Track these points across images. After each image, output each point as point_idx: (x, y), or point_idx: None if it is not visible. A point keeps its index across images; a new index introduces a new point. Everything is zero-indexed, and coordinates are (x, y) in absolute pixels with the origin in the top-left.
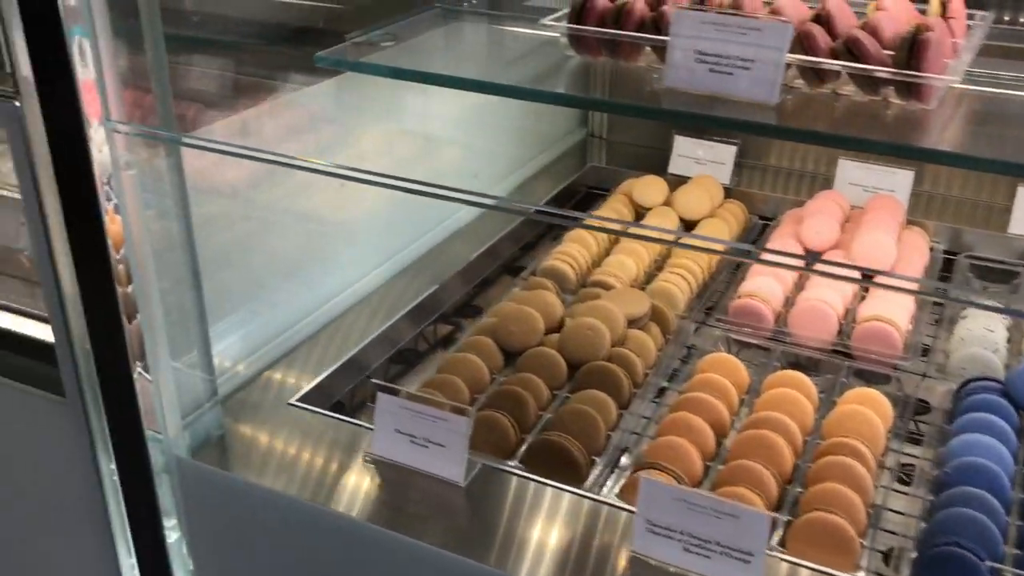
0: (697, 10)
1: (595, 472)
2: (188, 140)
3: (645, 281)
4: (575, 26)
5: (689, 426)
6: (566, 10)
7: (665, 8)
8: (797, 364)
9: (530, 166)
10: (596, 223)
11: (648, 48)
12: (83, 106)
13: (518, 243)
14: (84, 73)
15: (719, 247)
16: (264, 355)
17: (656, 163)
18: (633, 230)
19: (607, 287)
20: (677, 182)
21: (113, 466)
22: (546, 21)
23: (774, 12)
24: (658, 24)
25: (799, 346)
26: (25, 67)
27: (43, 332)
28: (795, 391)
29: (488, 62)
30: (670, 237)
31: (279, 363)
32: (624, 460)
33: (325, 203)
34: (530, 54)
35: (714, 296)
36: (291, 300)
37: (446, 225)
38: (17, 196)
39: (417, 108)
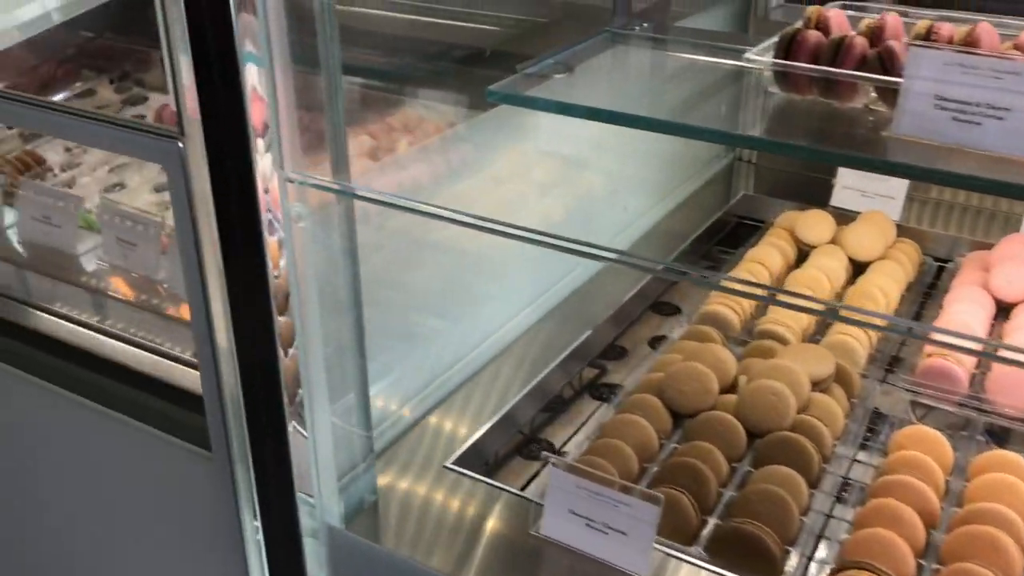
0: (934, 47)
1: (790, 564)
2: (363, 193)
3: (816, 331)
4: (785, 61)
5: (896, 516)
6: (770, 41)
7: (892, 44)
8: (999, 436)
9: (677, 193)
10: (740, 287)
11: (869, 88)
12: (255, 152)
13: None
14: (256, 115)
15: (881, 322)
16: (416, 405)
17: (812, 193)
18: (783, 298)
19: (780, 339)
20: (840, 216)
21: (258, 524)
22: (752, 55)
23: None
24: (884, 62)
25: (1007, 417)
26: (192, 103)
27: (185, 377)
28: (1013, 476)
29: (673, 98)
30: (830, 296)
31: (430, 415)
32: (821, 550)
33: (471, 238)
34: (719, 88)
35: (893, 345)
36: (440, 343)
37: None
38: (157, 219)
39: (556, 128)
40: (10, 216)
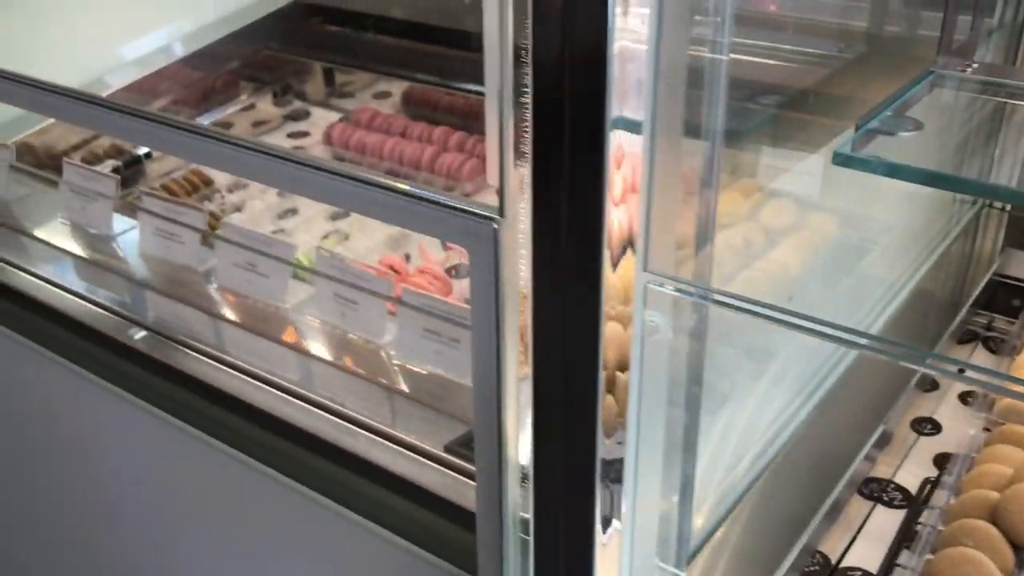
0: None
1: None
2: (726, 300)
3: None
4: None
5: None
6: None
7: None
8: None
9: (932, 246)
10: None
11: None
12: (608, 244)
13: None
14: (619, 196)
15: None
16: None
17: None
18: None
19: None
20: None
21: None
22: None
23: None
24: None
25: None
26: (522, 175)
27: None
28: None
29: None
30: None
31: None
32: None
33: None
34: None
35: None
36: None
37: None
38: (388, 281)
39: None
40: (208, 258)
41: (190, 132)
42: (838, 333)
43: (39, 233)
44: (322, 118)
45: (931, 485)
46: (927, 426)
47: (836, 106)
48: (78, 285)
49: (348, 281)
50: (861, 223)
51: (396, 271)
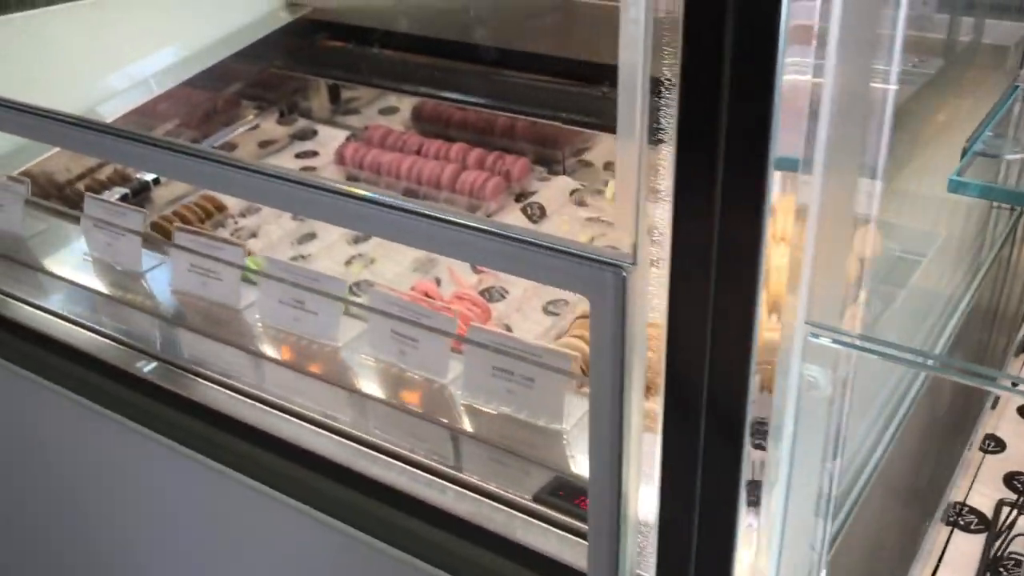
0: None
1: None
2: (891, 352)
3: None
4: None
5: None
6: None
7: None
8: None
9: (982, 256)
10: None
11: None
12: (761, 294)
13: None
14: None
15: None
16: None
17: None
18: None
19: None
20: None
21: None
22: None
23: None
24: None
25: None
26: (661, 222)
27: (539, 537)
28: None
29: None
30: None
31: None
32: None
33: None
34: None
35: None
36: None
37: None
38: (452, 318)
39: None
40: (250, 293)
41: (240, 168)
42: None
43: (64, 271)
44: (330, 136)
45: (1010, 508)
46: (991, 443)
47: (921, 125)
48: (113, 327)
49: (407, 318)
50: (906, 235)
51: (431, 297)
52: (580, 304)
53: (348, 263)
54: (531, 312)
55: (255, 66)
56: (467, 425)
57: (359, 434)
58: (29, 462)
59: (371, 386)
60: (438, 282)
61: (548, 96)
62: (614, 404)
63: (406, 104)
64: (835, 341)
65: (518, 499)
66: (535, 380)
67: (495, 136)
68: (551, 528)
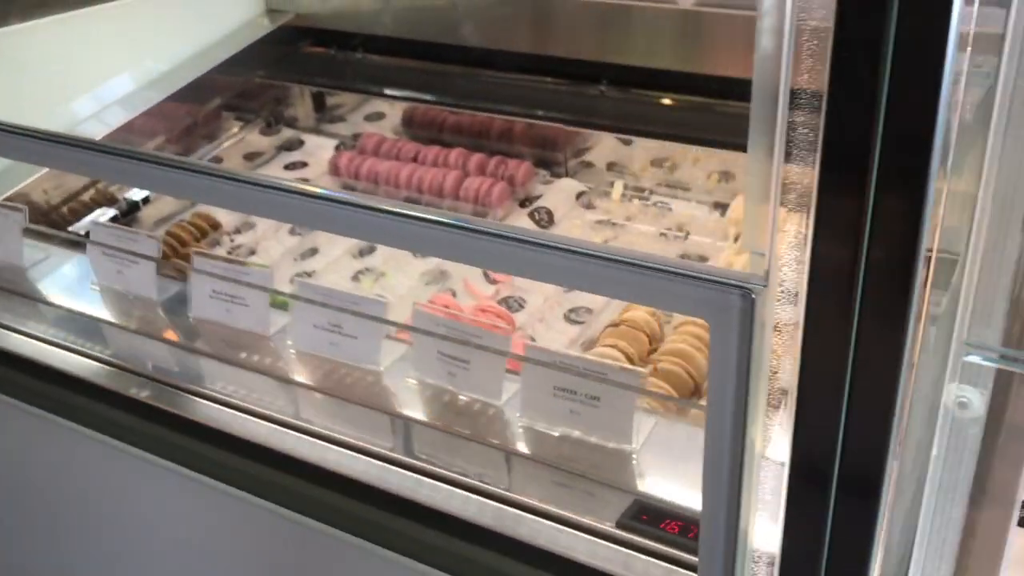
0: None
1: None
2: None
3: None
4: None
5: None
6: None
7: None
8: None
9: None
10: None
11: None
12: (919, 312)
13: None
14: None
15: None
16: None
17: None
18: None
19: None
20: None
21: None
22: None
23: None
24: None
25: None
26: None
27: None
28: None
29: None
30: None
31: None
32: None
33: None
34: None
35: None
36: None
37: None
38: (506, 336)
39: None
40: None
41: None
42: None
43: (72, 303)
44: (317, 146)
45: None
46: None
47: None
48: (136, 363)
49: (456, 338)
50: None
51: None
52: (605, 311)
53: (355, 278)
54: (554, 322)
55: (239, 77)
56: (527, 448)
57: (412, 461)
58: (81, 515)
59: (420, 411)
60: (453, 294)
61: (543, 96)
62: (736, 432)
63: (392, 109)
64: (995, 359)
65: (597, 526)
66: (601, 399)
67: (492, 140)
68: (635, 554)
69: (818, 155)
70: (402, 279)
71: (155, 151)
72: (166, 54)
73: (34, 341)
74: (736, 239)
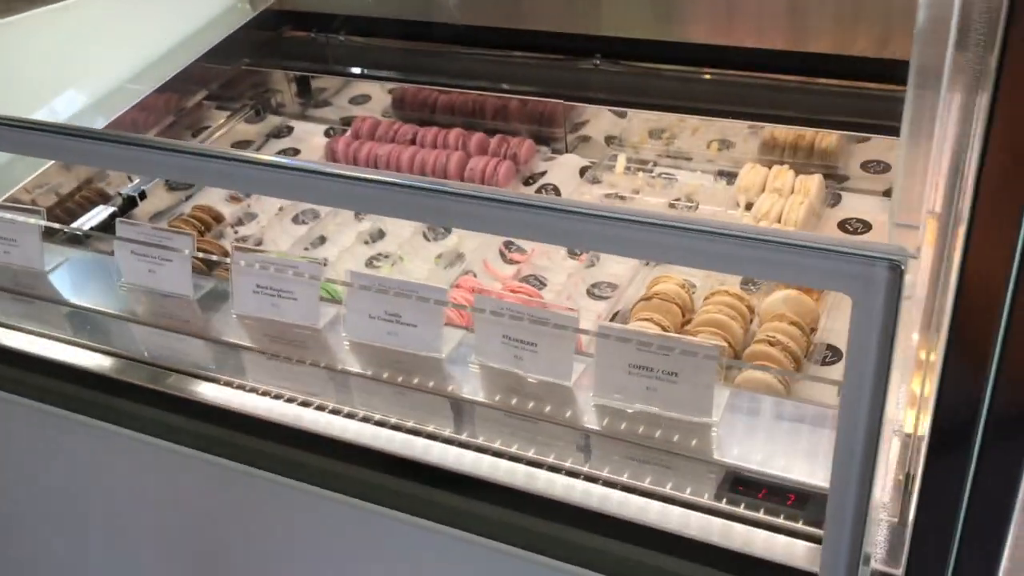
0: None
1: None
2: None
3: None
4: None
5: None
6: None
7: None
8: None
9: None
10: None
11: None
12: None
13: None
14: None
15: None
16: None
17: None
18: None
19: None
20: None
21: None
22: None
23: None
24: None
25: None
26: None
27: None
28: None
29: None
30: None
31: None
32: None
33: None
34: None
35: None
36: None
37: None
38: (572, 315)
39: None
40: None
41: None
42: None
43: (102, 306)
44: (305, 132)
45: None
46: None
47: None
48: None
49: (523, 320)
50: None
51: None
52: (631, 286)
53: (370, 264)
54: (579, 298)
55: (224, 66)
56: (605, 426)
57: (494, 446)
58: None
59: (490, 395)
60: (474, 275)
61: (534, 72)
62: (874, 404)
63: (378, 92)
64: None
65: (694, 499)
66: (679, 374)
67: (486, 118)
68: (734, 525)
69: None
70: (419, 263)
71: (176, 141)
72: (148, 46)
73: (71, 347)
74: (748, 207)
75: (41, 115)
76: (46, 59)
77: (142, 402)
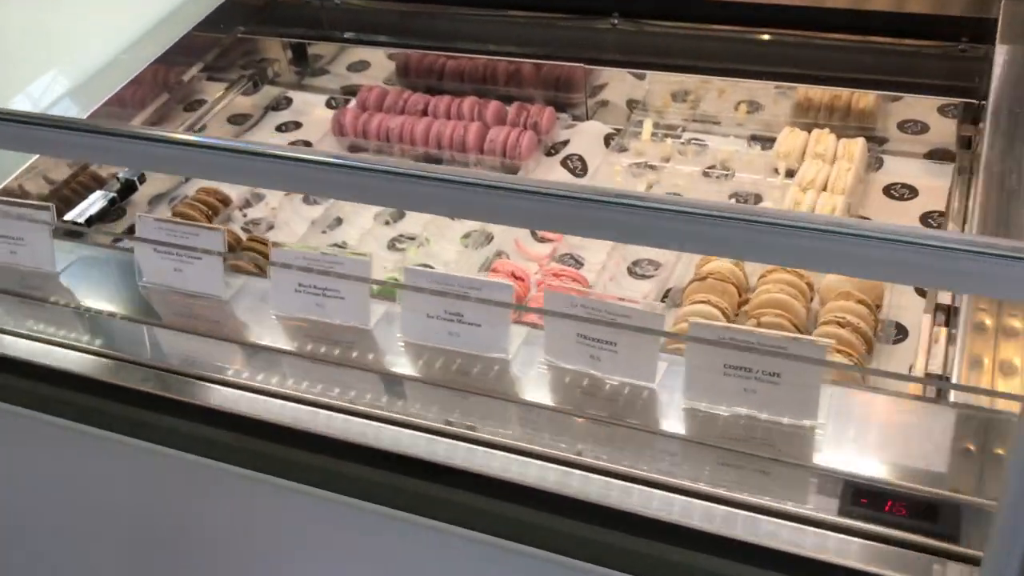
0: None
1: None
2: None
3: None
4: None
5: None
6: None
7: None
8: None
9: None
10: None
11: None
12: None
13: None
14: None
15: None
16: None
17: None
18: None
19: None
20: None
21: None
22: None
23: None
24: None
25: None
26: None
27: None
28: None
29: None
30: None
31: None
32: None
33: None
34: None
35: None
36: None
37: None
38: (642, 310)
39: None
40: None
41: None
42: None
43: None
44: (305, 103)
45: None
46: None
47: None
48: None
49: (601, 320)
50: None
51: (519, 278)
52: (679, 263)
53: (392, 247)
54: (621, 278)
55: (219, 34)
56: (700, 433)
57: (572, 457)
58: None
59: (566, 399)
60: (507, 257)
61: (546, 32)
62: None
63: (376, 57)
64: None
65: (825, 517)
66: (781, 375)
67: (499, 84)
68: (856, 540)
69: None
70: (445, 245)
71: (161, 130)
72: (140, 17)
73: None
74: (789, 174)
75: (27, 96)
76: (30, 34)
77: (135, 404)
